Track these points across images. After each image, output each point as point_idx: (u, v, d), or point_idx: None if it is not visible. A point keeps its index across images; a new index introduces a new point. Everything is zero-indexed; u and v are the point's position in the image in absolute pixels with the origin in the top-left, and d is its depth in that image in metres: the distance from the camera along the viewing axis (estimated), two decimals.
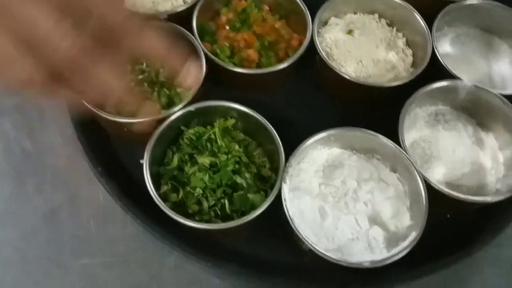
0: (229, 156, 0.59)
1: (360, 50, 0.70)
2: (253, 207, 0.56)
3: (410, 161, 0.57)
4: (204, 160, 0.58)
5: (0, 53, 0.34)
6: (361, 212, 0.57)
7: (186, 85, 0.51)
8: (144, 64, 0.64)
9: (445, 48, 0.73)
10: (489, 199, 0.57)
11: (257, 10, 0.72)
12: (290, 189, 0.57)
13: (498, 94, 0.64)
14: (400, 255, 0.52)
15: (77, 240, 0.61)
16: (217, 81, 0.64)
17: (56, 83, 0.36)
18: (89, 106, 0.56)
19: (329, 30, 0.72)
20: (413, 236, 0.53)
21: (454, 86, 0.64)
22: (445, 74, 0.65)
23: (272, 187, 0.56)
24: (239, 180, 0.58)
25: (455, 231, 0.60)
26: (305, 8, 0.69)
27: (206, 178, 0.57)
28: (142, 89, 0.63)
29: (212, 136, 0.60)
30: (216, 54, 0.67)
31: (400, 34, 0.73)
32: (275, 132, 0.59)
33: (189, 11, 0.68)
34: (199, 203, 0.57)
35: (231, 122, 0.61)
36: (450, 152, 0.62)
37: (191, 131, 0.60)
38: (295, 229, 0.53)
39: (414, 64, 0.70)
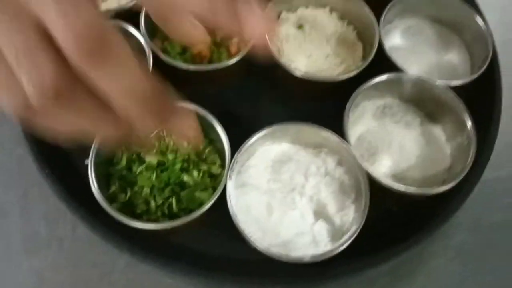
0: (177, 154, 0.59)
1: (310, 44, 0.70)
2: (202, 205, 0.56)
3: (354, 155, 0.58)
4: (152, 159, 0.58)
5: None
6: (307, 207, 0.57)
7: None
8: None
9: (395, 40, 0.73)
10: (431, 190, 0.57)
11: None
12: (237, 186, 0.57)
13: (444, 85, 0.64)
14: (340, 249, 0.53)
15: (27, 241, 0.60)
16: (167, 79, 0.63)
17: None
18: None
19: (280, 25, 0.72)
20: (353, 229, 0.54)
21: (398, 78, 0.64)
22: (392, 67, 0.65)
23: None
24: (186, 178, 0.58)
25: (401, 222, 0.60)
26: None
27: (153, 177, 0.57)
28: None
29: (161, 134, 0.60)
30: (167, 52, 0.66)
31: (351, 27, 0.73)
32: (221, 129, 0.59)
33: (139, 7, 0.66)
34: (146, 202, 0.57)
35: None
36: (396, 145, 0.63)
37: None
38: (236, 224, 0.53)
39: (364, 58, 0.70)
